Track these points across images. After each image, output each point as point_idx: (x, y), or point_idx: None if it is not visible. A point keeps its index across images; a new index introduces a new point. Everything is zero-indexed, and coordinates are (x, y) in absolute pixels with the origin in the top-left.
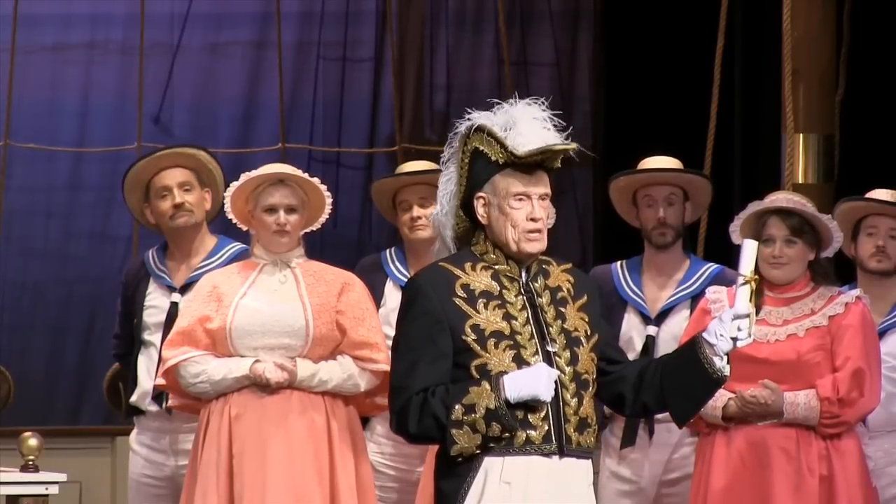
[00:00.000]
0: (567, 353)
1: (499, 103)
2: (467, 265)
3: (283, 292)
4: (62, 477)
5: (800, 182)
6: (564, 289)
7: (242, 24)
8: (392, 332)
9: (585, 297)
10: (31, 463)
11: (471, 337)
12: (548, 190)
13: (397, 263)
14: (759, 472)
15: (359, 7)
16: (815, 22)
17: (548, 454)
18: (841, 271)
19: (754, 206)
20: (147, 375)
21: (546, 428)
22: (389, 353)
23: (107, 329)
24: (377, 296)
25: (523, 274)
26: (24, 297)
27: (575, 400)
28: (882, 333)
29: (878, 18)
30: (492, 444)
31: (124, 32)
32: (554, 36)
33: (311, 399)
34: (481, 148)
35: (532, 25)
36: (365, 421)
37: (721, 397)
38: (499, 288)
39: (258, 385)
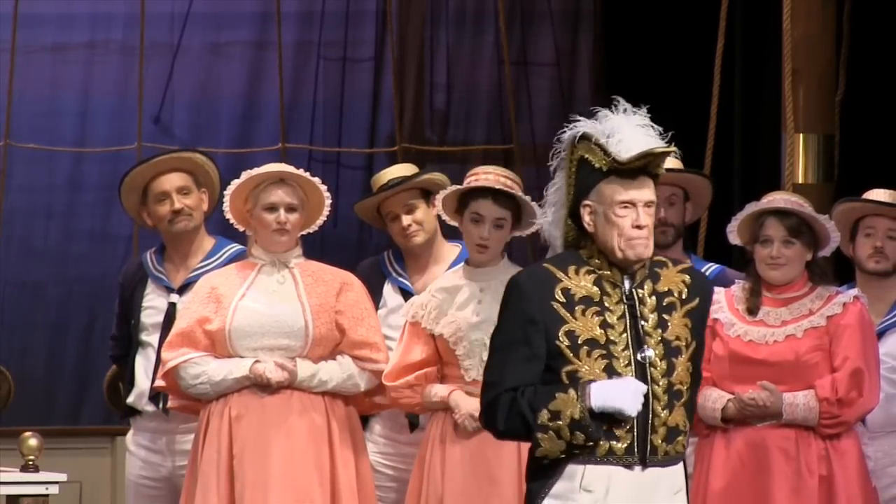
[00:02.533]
0: (664, 364)
1: (599, 111)
2: (571, 268)
3: (281, 293)
4: (62, 477)
5: (800, 182)
6: (675, 292)
7: (242, 24)
8: (392, 334)
9: (696, 301)
10: (31, 463)
11: (564, 343)
12: (653, 197)
13: (396, 266)
14: (759, 473)
15: (359, 7)
16: (815, 22)
17: (629, 465)
18: (840, 271)
19: (751, 207)
20: (144, 376)
21: (629, 440)
22: (389, 353)
23: (107, 329)
24: (376, 298)
25: (626, 281)
26: (24, 297)
27: (666, 411)
28: (881, 334)
29: (878, 18)
30: (576, 451)
31: (124, 32)
32: (554, 36)
33: (311, 399)
34: (586, 156)
35: (532, 25)
36: (365, 421)
37: (720, 399)
38: (600, 294)
39: (258, 385)
